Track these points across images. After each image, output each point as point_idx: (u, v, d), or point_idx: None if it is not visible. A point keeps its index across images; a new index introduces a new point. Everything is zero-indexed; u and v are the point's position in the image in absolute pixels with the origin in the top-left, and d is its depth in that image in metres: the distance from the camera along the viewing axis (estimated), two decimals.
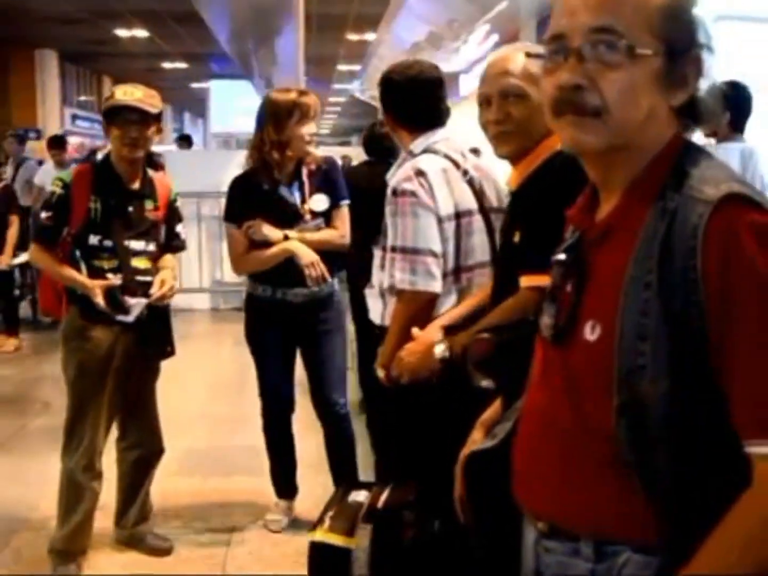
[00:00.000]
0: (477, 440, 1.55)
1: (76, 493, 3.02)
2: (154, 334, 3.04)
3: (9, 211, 6.68)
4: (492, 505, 1.34)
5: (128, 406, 3.14)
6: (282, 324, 3.35)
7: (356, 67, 25.69)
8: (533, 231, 1.78)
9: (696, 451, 1.05)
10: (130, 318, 2.93)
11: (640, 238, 1.08)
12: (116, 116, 2.90)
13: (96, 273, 2.93)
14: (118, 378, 3.02)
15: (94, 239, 2.91)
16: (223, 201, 8.04)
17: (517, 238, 1.85)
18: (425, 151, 2.43)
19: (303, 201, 3.25)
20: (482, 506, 1.38)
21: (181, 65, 26.88)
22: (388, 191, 2.35)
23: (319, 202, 3.28)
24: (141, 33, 21.54)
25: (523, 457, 1.26)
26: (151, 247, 3.04)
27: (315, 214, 3.26)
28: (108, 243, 2.92)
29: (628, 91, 1.07)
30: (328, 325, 3.37)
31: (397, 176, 2.35)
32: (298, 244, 3.17)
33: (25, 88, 23.38)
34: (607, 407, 1.08)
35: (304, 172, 3.26)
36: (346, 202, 3.38)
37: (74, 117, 27.25)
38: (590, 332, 1.12)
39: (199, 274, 8.49)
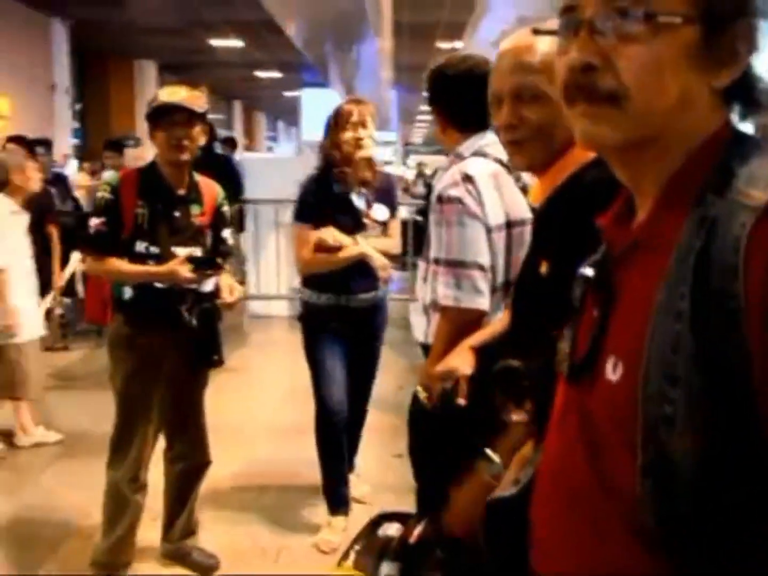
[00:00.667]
0: (507, 481, 1.36)
1: (119, 505, 2.95)
2: (202, 343, 2.95)
3: (45, 219, 5.26)
4: (508, 561, 1.16)
5: (175, 416, 3.05)
6: (342, 332, 3.37)
7: None
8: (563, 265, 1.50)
9: (735, 523, 0.83)
10: (209, 286, 2.93)
11: (673, 254, 0.85)
12: (161, 118, 2.83)
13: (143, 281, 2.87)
14: (165, 388, 2.94)
15: (140, 246, 2.84)
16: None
17: (544, 269, 1.53)
18: (474, 154, 2.25)
19: (368, 206, 3.35)
20: (498, 560, 1.20)
21: (275, 74, 27.28)
22: (433, 198, 2.17)
23: (380, 211, 3.34)
24: (235, 43, 21.94)
25: (537, 519, 1.07)
26: (198, 253, 2.96)
27: (375, 223, 3.34)
28: (154, 249, 2.85)
29: (652, 70, 0.84)
30: (379, 331, 3.50)
31: (442, 181, 2.16)
32: (370, 248, 3.23)
33: (124, 98, 24.10)
34: (630, 465, 0.86)
35: (369, 185, 3.35)
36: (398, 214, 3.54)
37: None
38: (612, 371, 0.89)
39: (276, 280, 8.46)
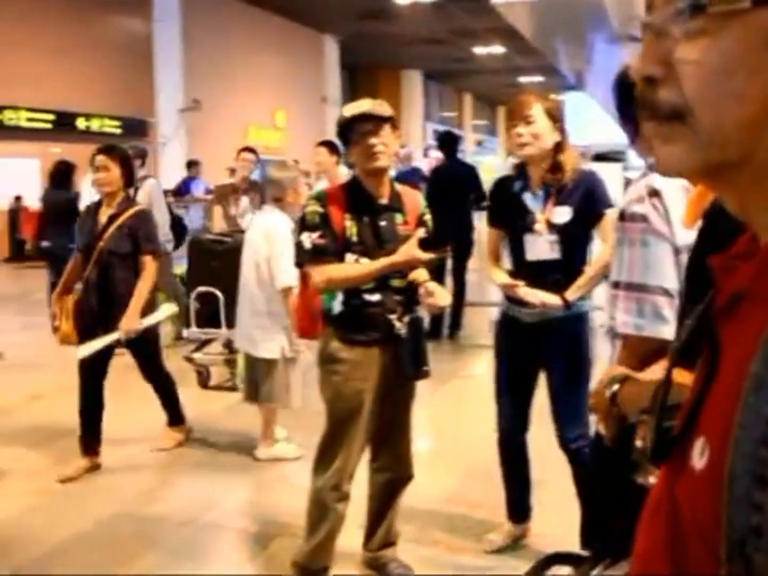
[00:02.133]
0: None
1: (321, 512, 3.00)
2: (412, 354, 2.93)
3: (139, 248, 4.29)
4: None
5: (382, 428, 3.05)
6: (518, 343, 3.17)
7: None
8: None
9: None
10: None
11: None
12: (351, 132, 2.84)
13: (352, 294, 2.89)
14: (373, 400, 2.95)
15: (350, 258, 2.86)
16: None
17: None
18: None
19: (544, 211, 3.05)
20: None
21: (537, 78, 27.09)
22: (616, 214, 1.97)
23: (560, 214, 3.01)
24: (497, 50, 22.06)
25: None
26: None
27: (552, 227, 3.02)
28: (365, 261, 2.86)
29: (718, 74, 0.65)
30: (561, 350, 3.11)
31: (627, 196, 1.96)
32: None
33: (391, 106, 24.98)
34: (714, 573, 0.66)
35: (552, 186, 3.03)
36: (610, 210, 2.99)
37: (436, 132, 28.74)
38: (699, 455, 0.70)
39: None
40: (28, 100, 13.07)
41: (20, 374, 6.31)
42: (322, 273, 2.85)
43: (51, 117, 13.57)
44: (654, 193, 1.88)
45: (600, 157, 10.42)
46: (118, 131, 14.67)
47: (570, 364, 3.08)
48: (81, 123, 14.11)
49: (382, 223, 2.90)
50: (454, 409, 5.69)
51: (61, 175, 7.94)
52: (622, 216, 1.94)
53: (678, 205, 1.85)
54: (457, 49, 21.82)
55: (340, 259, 2.85)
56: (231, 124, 16.98)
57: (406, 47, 21.58)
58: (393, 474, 3.13)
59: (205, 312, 5.69)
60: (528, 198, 3.06)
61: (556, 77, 26.12)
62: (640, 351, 1.84)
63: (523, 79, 27.35)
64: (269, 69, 18.54)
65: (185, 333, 6.00)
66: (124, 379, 4.82)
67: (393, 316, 2.88)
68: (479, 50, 22.15)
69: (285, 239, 4.30)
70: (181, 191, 12.07)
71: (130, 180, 4.46)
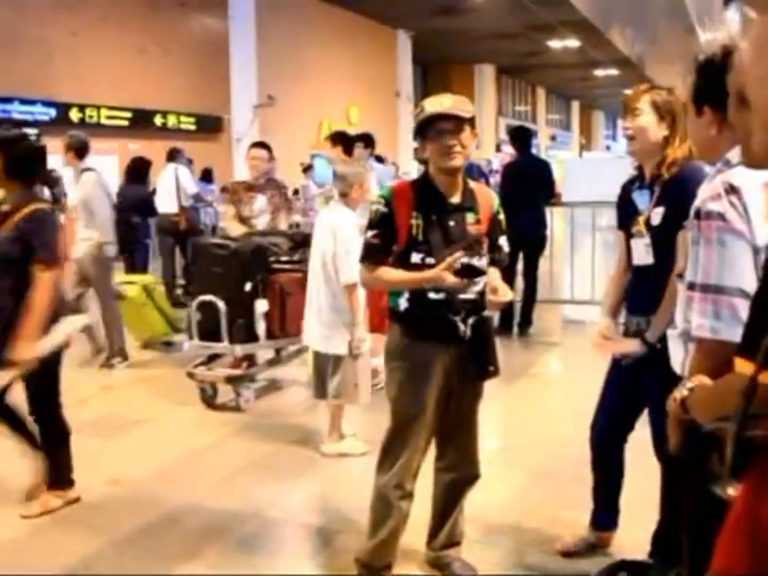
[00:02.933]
0: None
1: (384, 509, 2.98)
2: (477, 354, 2.89)
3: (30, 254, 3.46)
4: None
5: (447, 427, 3.01)
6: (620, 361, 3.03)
7: None
8: None
9: None
10: (478, 287, 2.82)
11: None
12: (430, 128, 2.79)
13: (417, 293, 2.86)
14: (438, 398, 2.91)
15: (416, 257, 2.81)
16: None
17: None
18: None
19: (648, 210, 2.88)
20: None
21: (613, 72, 26.58)
22: (691, 212, 1.88)
23: (656, 215, 2.84)
24: (572, 43, 21.73)
25: None
26: (475, 262, 2.86)
27: (650, 228, 2.84)
28: (430, 260, 2.78)
29: None
30: (658, 369, 2.81)
31: (703, 193, 1.87)
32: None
33: None
34: None
35: (657, 183, 2.86)
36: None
37: (508, 127, 28.49)
38: None
39: (591, 285, 8.18)
40: (108, 99, 13.41)
41: None
42: (365, 272, 2.94)
43: (129, 114, 13.89)
44: (732, 190, 1.77)
45: None
46: (193, 128, 14.94)
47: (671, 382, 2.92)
48: (158, 120, 14.40)
49: (451, 223, 2.86)
50: (523, 407, 5.62)
51: (137, 171, 8.13)
52: (698, 214, 1.84)
53: (758, 203, 1.75)
54: (531, 43, 21.59)
55: (402, 258, 2.83)
56: (305, 120, 17.13)
57: (478, 42, 21.44)
58: (458, 473, 3.09)
59: (207, 323, 5.22)
60: (637, 196, 2.94)
61: (632, 69, 25.60)
62: (716, 356, 1.75)
63: (598, 72, 26.90)
64: (342, 65, 18.62)
65: (186, 345, 5.58)
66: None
67: (457, 318, 2.84)
68: (553, 44, 21.84)
69: (349, 235, 4.30)
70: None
71: (22, 171, 3.58)
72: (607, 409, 3.16)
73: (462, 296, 2.82)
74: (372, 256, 2.91)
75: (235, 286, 5.16)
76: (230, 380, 5.33)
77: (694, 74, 1.99)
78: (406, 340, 2.91)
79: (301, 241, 5.55)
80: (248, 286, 5.20)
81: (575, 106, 35.69)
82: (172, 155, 9.02)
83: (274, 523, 3.76)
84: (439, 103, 2.77)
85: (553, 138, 33.57)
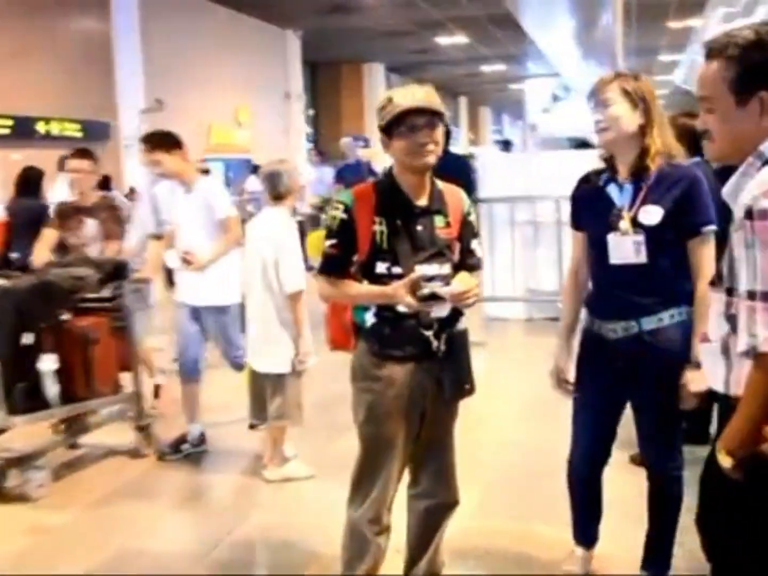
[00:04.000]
0: None
1: (360, 547, 2.70)
2: (452, 370, 2.62)
3: None
4: None
5: (422, 451, 2.74)
6: (603, 364, 2.77)
7: (677, 57, 24.01)
8: None
9: None
10: (443, 312, 2.55)
11: None
12: (400, 124, 2.46)
13: (385, 307, 2.58)
14: (412, 421, 2.65)
15: (381, 267, 2.54)
16: (537, 206, 7.80)
17: None
18: None
19: (631, 207, 2.65)
20: None
21: (500, 67, 26.93)
22: (737, 212, 1.67)
23: (649, 214, 2.61)
24: (461, 40, 21.84)
25: None
26: (446, 269, 2.58)
27: (639, 227, 2.62)
28: (397, 270, 2.51)
29: None
30: (646, 369, 2.71)
31: (750, 190, 1.67)
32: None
33: (354, 101, 24.80)
34: None
35: (653, 174, 2.64)
36: (710, 229, 2.61)
37: None
38: None
39: (512, 282, 8.09)
40: None
41: None
42: (324, 286, 2.64)
43: (9, 122, 13.03)
44: None
45: (581, 144, 10.21)
46: (80, 134, 14.15)
47: (668, 385, 2.64)
48: (40, 127, 13.58)
49: (419, 228, 2.57)
50: (462, 414, 5.40)
51: (29, 182, 7.51)
52: (750, 214, 1.63)
53: None
54: (420, 41, 21.60)
55: (366, 269, 2.57)
56: (194, 124, 16.55)
57: (368, 40, 21.31)
58: (435, 500, 2.81)
59: None
60: (613, 191, 2.70)
61: (519, 65, 26.02)
62: None
63: (486, 68, 27.26)
64: (231, 66, 18.10)
65: None
66: None
67: (429, 333, 2.57)
68: (443, 41, 21.94)
69: (289, 240, 4.01)
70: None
71: None
72: (589, 443, 2.88)
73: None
74: (331, 268, 2.62)
75: (8, 339, 3.98)
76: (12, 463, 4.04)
77: (726, 60, 1.75)
78: (373, 359, 2.62)
79: (111, 272, 4.51)
80: (27, 338, 4.02)
81: (463, 102, 36.03)
82: (64, 164, 8.41)
83: (227, 561, 3.41)
84: (411, 96, 2.47)
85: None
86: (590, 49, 15.50)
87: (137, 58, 14.73)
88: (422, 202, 2.61)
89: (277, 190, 4.05)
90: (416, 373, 2.61)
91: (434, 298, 2.46)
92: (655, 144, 2.63)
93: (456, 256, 2.66)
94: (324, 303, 2.83)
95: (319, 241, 7.64)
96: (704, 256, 2.60)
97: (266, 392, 4.10)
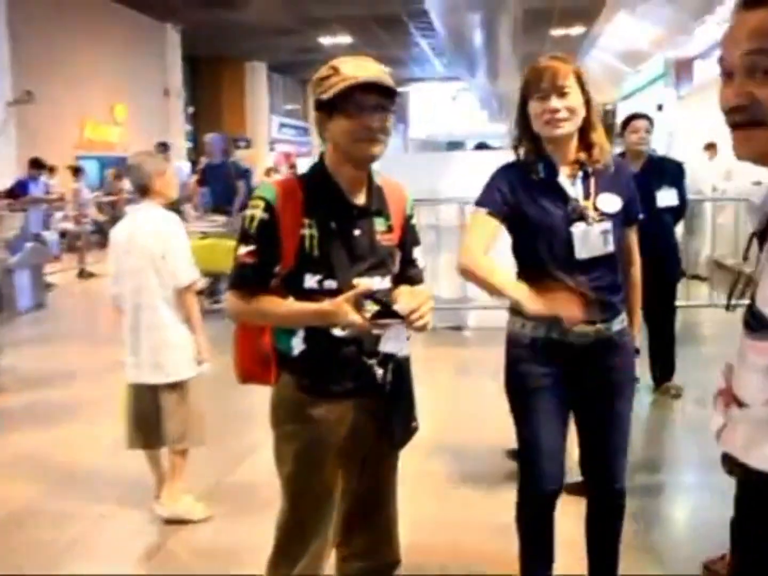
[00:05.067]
0: None
1: None
2: (401, 408, 2.21)
3: None
4: None
5: (358, 504, 2.28)
6: (558, 375, 2.48)
7: None
8: None
9: None
10: (398, 343, 2.10)
11: None
12: (346, 101, 2.02)
13: (316, 330, 2.11)
14: (351, 471, 2.22)
15: (311, 281, 2.08)
16: (441, 209, 7.47)
17: None
18: None
19: (587, 197, 2.46)
20: None
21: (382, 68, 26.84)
22: None
23: (610, 202, 2.47)
24: (344, 40, 21.54)
25: None
26: (387, 282, 2.17)
27: (603, 215, 2.44)
28: (331, 284, 2.08)
29: None
30: (614, 375, 2.52)
31: None
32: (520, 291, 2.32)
33: (235, 100, 24.18)
34: None
35: (589, 168, 2.47)
36: (641, 217, 2.63)
37: (281, 125, 27.93)
38: None
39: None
40: None
41: None
42: (237, 303, 2.13)
43: None
44: None
45: (480, 146, 10.09)
46: None
47: (624, 389, 2.55)
48: None
49: (357, 233, 2.13)
50: None
51: None
52: None
53: None
54: (303, 39, 21.17)
55: (292, 282, 2.10)
56: (67, 118, 15.59)
57: (250, 37, 20.73)
58: (373, 561, 2.33)
59: None
60: (565, 182, 2.46)
61: (404, 68, 25.95)
62: None
63: None
64: (107, 59, 17.18)
65: None
66: None
67: (372, 361, 2.15)
68: (326, 40, 21.58)
69: (173, 230, 3.59)
70: (16, 192, 10.87)
71: None
72: (554, 454, 2.54)
73: (376, 330, 2.05)
74: (247, 281, 2.12)
75: None
76: None
77: None
78: (302, 396, 2.16)
79: None
80: None
81: None
82: None
83: None
84: (363, 69, 2.01)
85: None
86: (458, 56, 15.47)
87: (3, 47, 13.71)
88: (360, 200, 2.16)
89: (138, 182, 3.62)
90: (358, 413, 2.17)
91: (389, 315, 2.00)
92: (600, 135, 2.48)
93: (396, 267, 2.24)
94: (233, 323, 2.33)
95: (205, 252, 7.19)
96: (635, 242, 2.66)
97: (160, 410, 3.61)
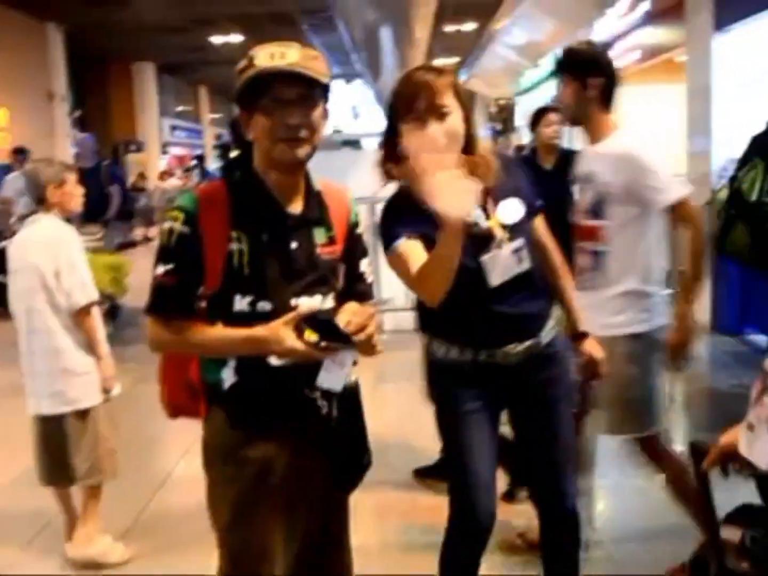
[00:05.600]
0: None
1: None
2: (350, 444, 1.99)
3: None
4: None
5: (306, 547, 2.00)
6: (488, 398, 2.30)
7: (451, 60, 24.67)
8: None
9: None
10: (337, 378, 1.85)
11: None
12: (262, 95, 1.79)
13: (250, 360, 1.87)
14: (296, 518, 1.97)
15: (242, 302, 1.85)
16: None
17: None
18: None
19: (488, 217, 2.20)
20: None
21: None
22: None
23: (513, 210, 2.23)
24: (236, 38, 21.09)
25: None
26: (329, 301, 1.95)
27: (512, 232, 2.20)
28: (264, 306, 1.84)
29: None
30: (549, 390, 2.36)
31: None
32: None
33: (124, 102, 23.40)
34: None
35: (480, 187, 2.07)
36: (541, 203, 2.39)
37: (173, 128, 27.17)
38: None
39: None
40: None
41: None
42: (157, 330, 1.89)
43: None
44: None
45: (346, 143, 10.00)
46: None
47: (562, 400, 2.40)
48: None
49: (293, 246, 1.90)
50: None
51: None
52: None
53: None
54: (193, 39, 20.63)
55: (219, 304, 1.86)
56: None
57: (138, 37, 20.06)
58: None
59: None
60: None
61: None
62: None
63: None
64: None
65: None
66: None
67: (315, 393, 1.92)
68: (217, 39, 21.11)
69: (70, 245, 3.28)
70: None
71: None
72: (488, 485, 2.35)
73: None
74: (165, 305, 1.88)
75: None
76: None
77: None
78: (236, 434, 1.93)
79: None
80: None
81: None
82: None
83: None
84: (279, 55, 1.78)
85: (218, 137, 32.79)
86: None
87: None
88: (296, 208, 1.93)
89: (34, 193, 3.32)
90: (301, 451, 1.95)
91: (335, 338, 1.76)
92: (484, 149, 2.25)
93: (340, 283, 2.02)
94: (156, 353, 2.07)
95: (105, 269, 6.74)
96: (545, 229, 2.43)
97: (66, 442, 3.28)
